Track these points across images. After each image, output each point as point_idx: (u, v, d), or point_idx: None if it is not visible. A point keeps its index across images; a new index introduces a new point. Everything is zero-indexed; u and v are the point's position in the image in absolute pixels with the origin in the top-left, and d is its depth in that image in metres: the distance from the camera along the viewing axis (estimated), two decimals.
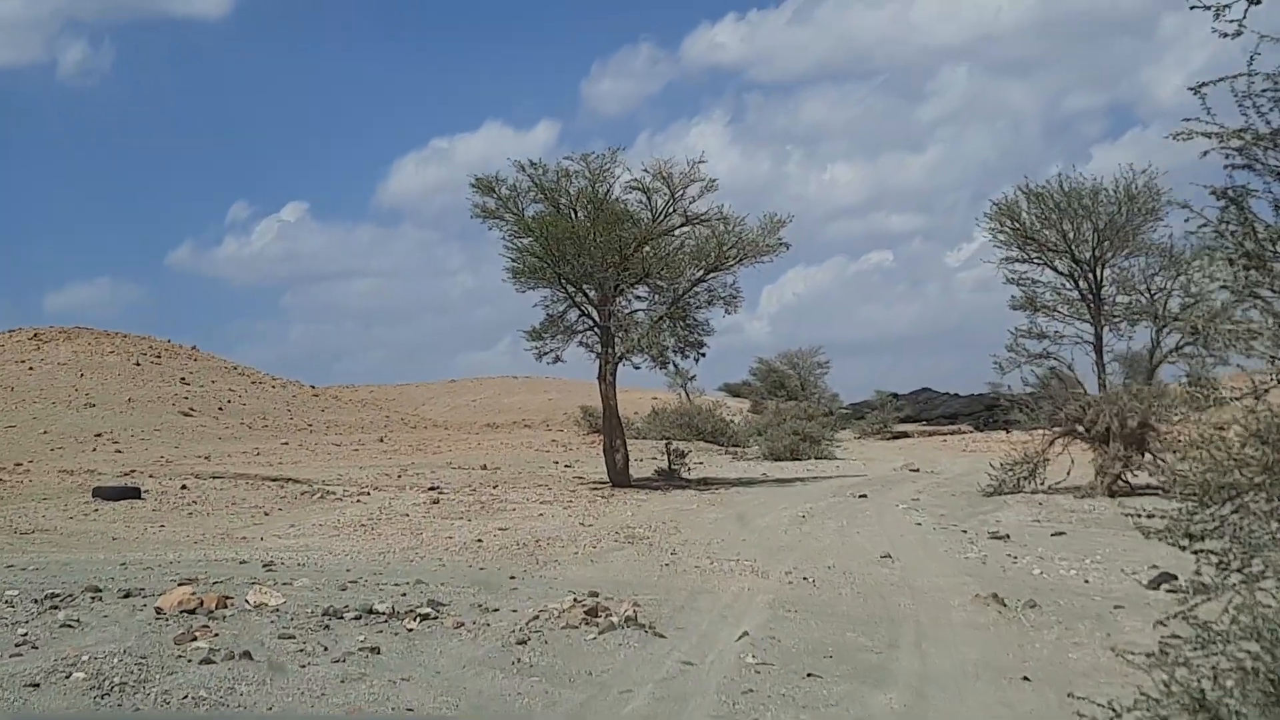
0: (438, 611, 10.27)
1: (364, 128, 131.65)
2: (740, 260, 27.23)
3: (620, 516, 20.13)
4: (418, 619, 9.98)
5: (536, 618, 9.85)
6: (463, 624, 9.81)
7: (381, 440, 48.15)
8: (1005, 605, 10.48)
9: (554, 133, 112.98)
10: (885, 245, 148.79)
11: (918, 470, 31.99)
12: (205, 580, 12.02)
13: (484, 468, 32.49)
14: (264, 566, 13.44)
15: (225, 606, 10.35)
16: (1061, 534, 15.72)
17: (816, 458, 39.51)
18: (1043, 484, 22.30)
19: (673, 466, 29.41)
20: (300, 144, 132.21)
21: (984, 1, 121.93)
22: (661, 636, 9.33)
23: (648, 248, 26.75)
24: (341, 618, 9.99)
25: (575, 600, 10.26)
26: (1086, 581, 11.91)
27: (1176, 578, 11.13)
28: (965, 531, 16.28)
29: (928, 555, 13.97)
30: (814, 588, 12.01)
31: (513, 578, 12.67)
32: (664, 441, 31.51)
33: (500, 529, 18.12)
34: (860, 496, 22.79)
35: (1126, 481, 21.21)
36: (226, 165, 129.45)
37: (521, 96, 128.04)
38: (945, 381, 74.89)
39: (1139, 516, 4.92)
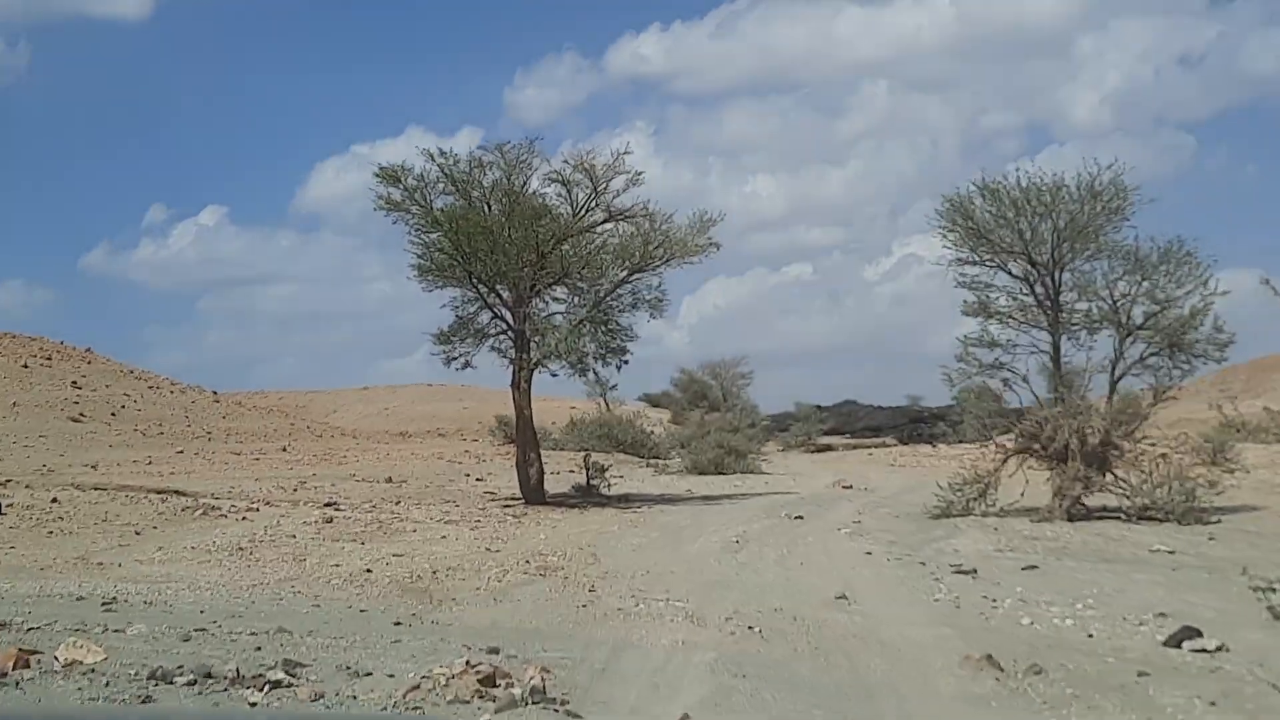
0: (293, 676, 8.02)
1: (284, 132, 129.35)
2: (667, 261, 25.23)
3: (532, 541, 17.99)
4: (265, 687, 7.74)
5: (417, 687, 7.66)
6: (321, 695, 7.60)
7: (284, 450, 45.73)
8: (1002, 670, 8.48)
9: (476, 139, 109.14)
10: (805, 258, 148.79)
11: (851, 487, 30.15)
12: (20, 625, 9.70)
13: (389, 480, 30.27)
14: (103, 605, 11.10)
15: (27, 665, 8.03)
16: (1034, 568, 13.80)
17: (743, 472, 37.61)
18: (994, 505, 20.50)
19: (591, 482, 27.30)
20: (219, 147, 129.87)
21: (904, 19, 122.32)
22: (577, 718, 7.19)
23: (567, 245, 24.67)
24: (171, 682, 7.71)
25: (468, 664, 8.04)
26: (1090, 635, 9.92)
27: (1200, 633, 9.25)
28: (924, 564, 14.32)
29: (890, 596, 11.96)
30: (762, 640, 9.95)
31: (398, 624, 10.48)
32: (582, 454, 29.26)
33: (395, 555, 15.92)
34: (796, 518, 20.82)
35: (1084, 504, 19.45)
36: (144, 168, 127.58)
37: (444, 103, 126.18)
38: (863, 393, 73.63)
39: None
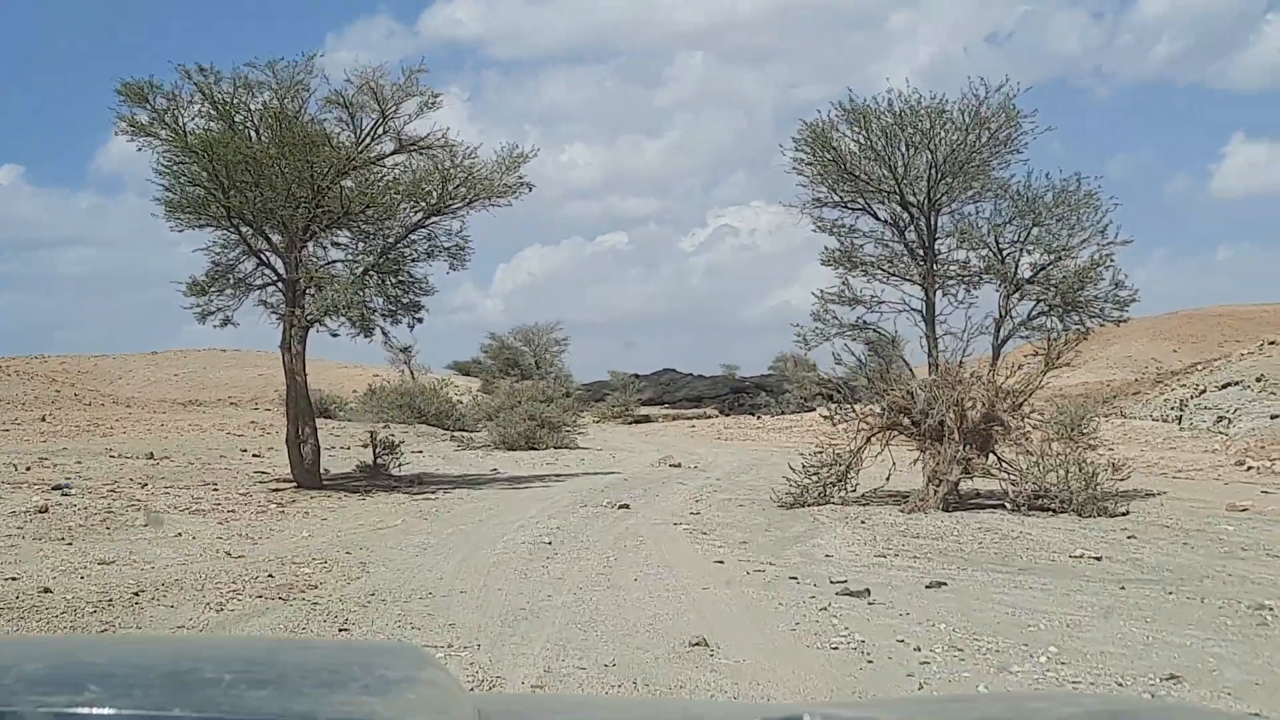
0: None
1: (83, 88, 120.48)
2: (470, 202, 21.42)
3: (291, 540, 14.10)
4: None
5: None
6: None
7: (44, 419, 40.34)
8: None
9: None
10: (621, 227, 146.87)
11: (679, 466, 26.75)
12: None
13: (150, 457, 25.73)
14: None
15: None
16: (942, 585, 10.40)
17: (557, 447, 33.94)
18: (854, 491, 17.29)
19: (379, 461, 23.26)
20: (15, 103, 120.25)
21: None
22: None
23: (349, 180, 20.59)
24: None
25: None
26: None
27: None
28: (796, 580, 10.82)
29: (766, 639, 8.35)
30: None
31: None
32: (374, 429, 25.13)
33: (103, 563, 11.89)
34: (621, 507, 17.26)
35: (957, 490, 16.39)
36: None
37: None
38: (678, 363, 70.79)
39: None
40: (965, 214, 16.97)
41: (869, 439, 16.98)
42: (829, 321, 17.26)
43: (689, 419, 56.61)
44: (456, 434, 40.10)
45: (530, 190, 21.79)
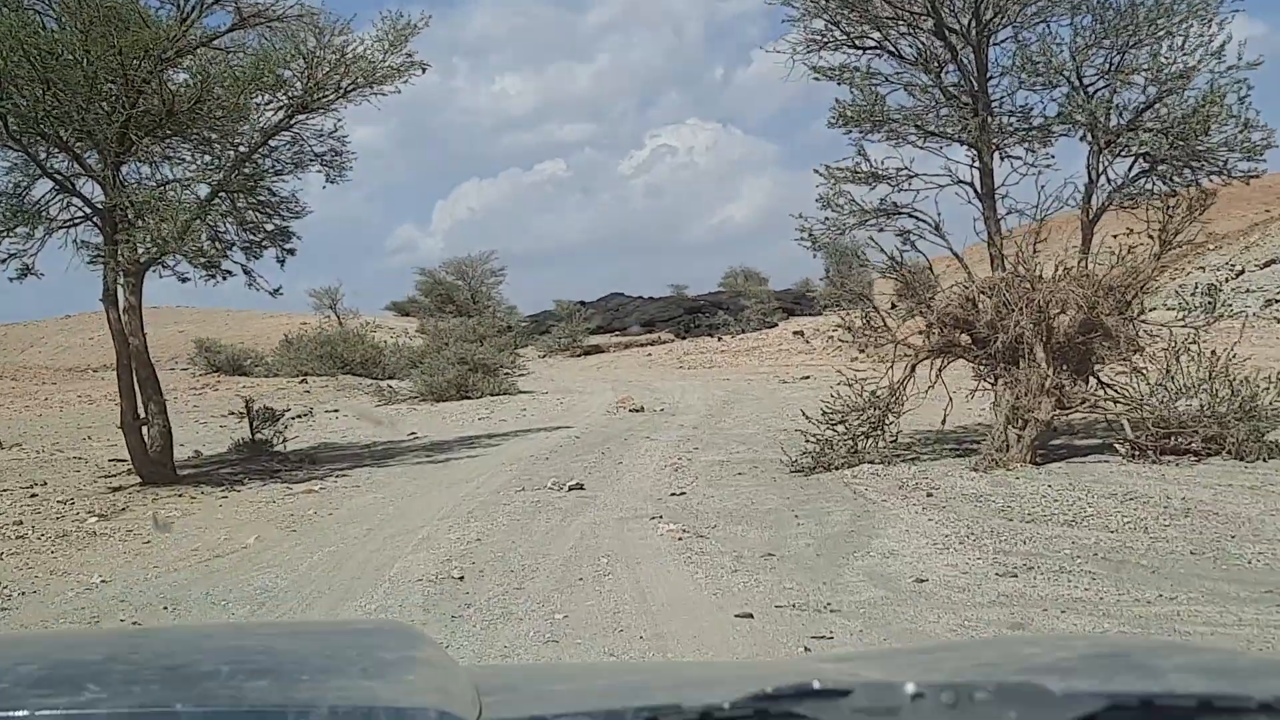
0: None
1: None
2: (345, 92, 16.14)
3: (64, 595, 9.11)
4: None
5: None
6: None
7: None
8: None
9: None
10: (557, 155, 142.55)
11: (642, 410, 21.72)
12: None
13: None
14: None
15: None
16: None
17: (494, 394, 28.79)
18: (892, 440, 12.39)
19: (258, 436, 18.06)
20: None
21: None
22: None
23: (184, 73, 15.31)
24: None
25: None
26: None
27: None
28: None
29: None
30: None
31: None
32: (249, 398, 19.82)
33: None
34: (573, 489, 12.28)
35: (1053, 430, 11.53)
36: None
37: None
38: (624, 288, 65.72)
39: None
40: (1028, 40, 11.88)
41: (912, 368, 11.98)
42: (844, 208, 12.21)
43: (643, 346, 51.63)
44: (385, 384, 34.92)
45: (423, 72, 16.53)
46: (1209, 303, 11.62)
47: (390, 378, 36.81)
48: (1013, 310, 11.32)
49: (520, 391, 29.62)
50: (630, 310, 61.19)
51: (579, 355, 50.33)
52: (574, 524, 10.35)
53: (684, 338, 53.35)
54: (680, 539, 9.22)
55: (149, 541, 11.45)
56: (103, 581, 9.62)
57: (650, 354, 45.44)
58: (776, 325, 52.13)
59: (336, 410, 28.18)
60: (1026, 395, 11.27)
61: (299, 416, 26.43)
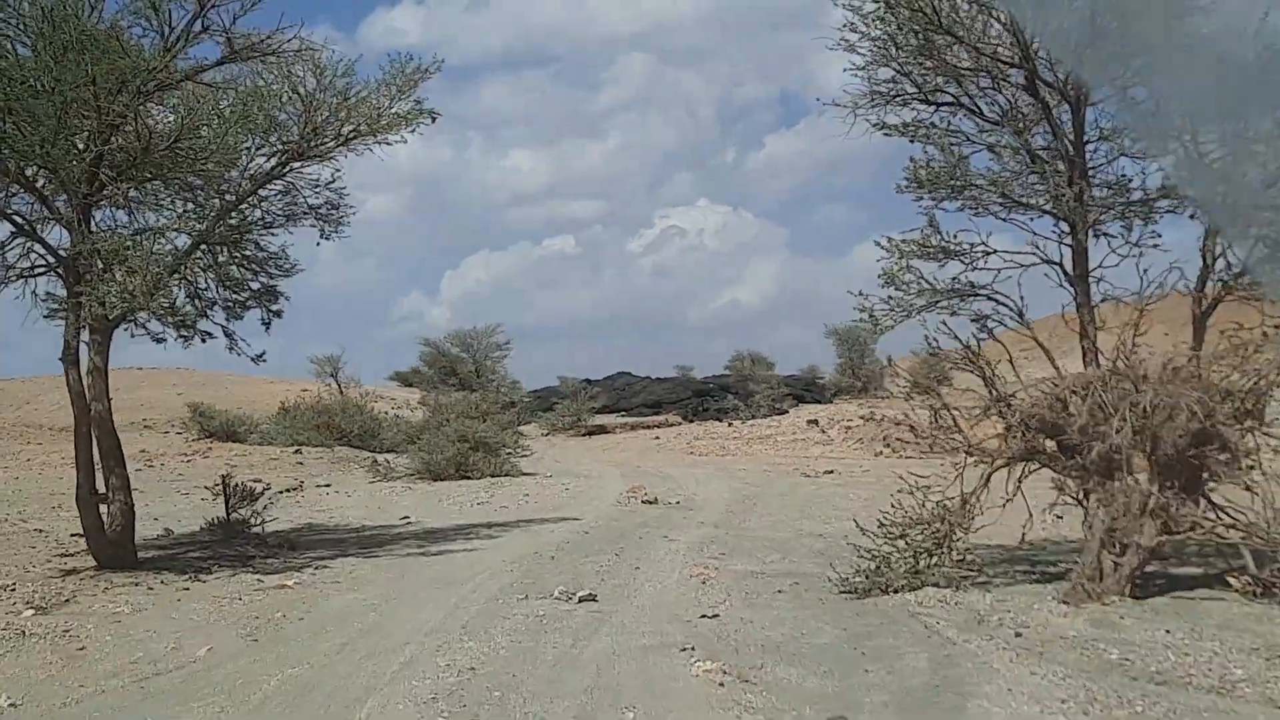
0: None
1: None
2: (347, 140, 14.60)
3: None
4: None
5: None
6: None
7: None
8: None
9: None
10: (567, 231, 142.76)
11: (655, 502, 19.92)
12: None
13: None
14: None
15: None
16: None
17: (495, 475, 26.98)
18: (964, 558, 10.59)
19: (233, 517, 16.26)
20: None
21: None
22: None
23: (157, 106, 13.77)
24: None
25: None
26: None
27: None
28: None
29: None
30: None
31: None
32: (227, 474, 17.97)
33: None
34: (584, 600, 10.50)
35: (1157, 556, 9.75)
36: None
37: None
38: (628, 366, 64.14)
39: None
40: (1136, 98, 10.26)
41: (988, 477, 10.22)
42: (910, 287, 10.54)
43: (650, 428, 49.80)
44: (383, 458, 33.11)
45: (433, 121, 14.98)
46: None
47: (389, 451, 35.08)
48: (1111, 415, 9.60)
49: (523, 473, 27.82)
50: (637, 390, 59.49)
51: (583, 435, 48.50)
52: (588, 651, 8.56)
53: (692, 420, 51.58)
54: (721, 684, 7.43)
55: (84, 647, 9.67)
56: (10, 705, 7.85)
57: (658, 437, 43.59)
58: (787, 412, 50.37)
59: (329, 485, 26.41)
60: (1125, 515, 9.51)
61: (287, 491, 24.94)
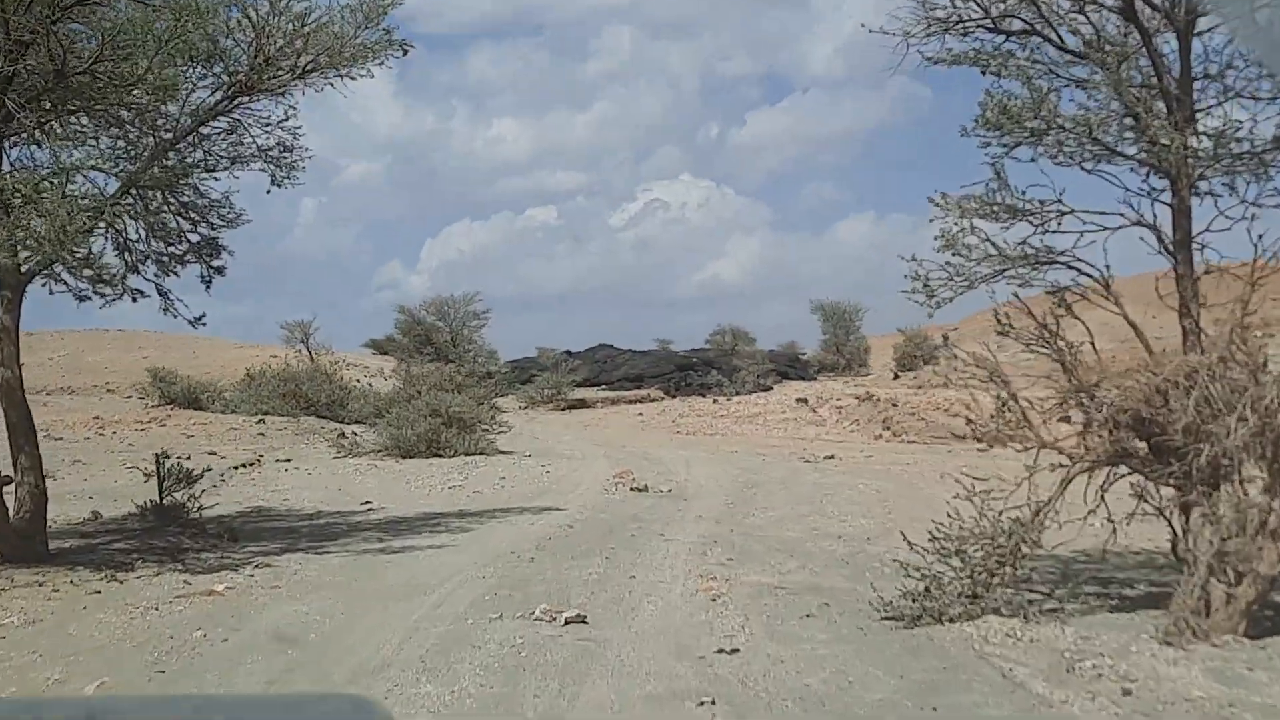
0: None
1: None
2: (304, 72, 12.71)
3: None
4: None
5: None
6: None
7: None
8: None
9: None
10: (550, 201, 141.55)
11: (646, 489, 18.06)
12: None
13: None
14: None
15: None
16: None
17: (469, 453, 25.06)
18: (1024, 578, 8.74)
19: (167, 500, 14.29)
20: None
21: None
22: None
23: (80, 25, 11.81)
24: None
25: None
26: None
27: None
28: None
29: None
30: None
31: None
32: (162, 452, 15.98)
33: None
34: (571, 621, 8.63)
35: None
36: None
37: None
38: (608, 339, 62.21)
39: None
40: (1246, 26, 8.39)
41: (1067, 483, 8.36)
42: (972, 252, 8.66)
43: (632, 402, 47.88)
44: (350, 430, 31.19)
45: (405, 54, 13.07)
46: None
47: (357, 422, 33.12)
48: (1222, 412, 7.76)
49: (499, 452, 25.89)
50: (619, 363, 57.50)
51: (563, 409, 46.55)
52: (580, 702, 6.70)
53: (674, 396, 49.70)
54: None
55: None
56: None
57: (641, 413, 41.72)
58: (772, 389, 48.65)
59: (289, 460, 24.49)
60: (1239, 535, 7.69)
61: (242, 466, 22.98)
